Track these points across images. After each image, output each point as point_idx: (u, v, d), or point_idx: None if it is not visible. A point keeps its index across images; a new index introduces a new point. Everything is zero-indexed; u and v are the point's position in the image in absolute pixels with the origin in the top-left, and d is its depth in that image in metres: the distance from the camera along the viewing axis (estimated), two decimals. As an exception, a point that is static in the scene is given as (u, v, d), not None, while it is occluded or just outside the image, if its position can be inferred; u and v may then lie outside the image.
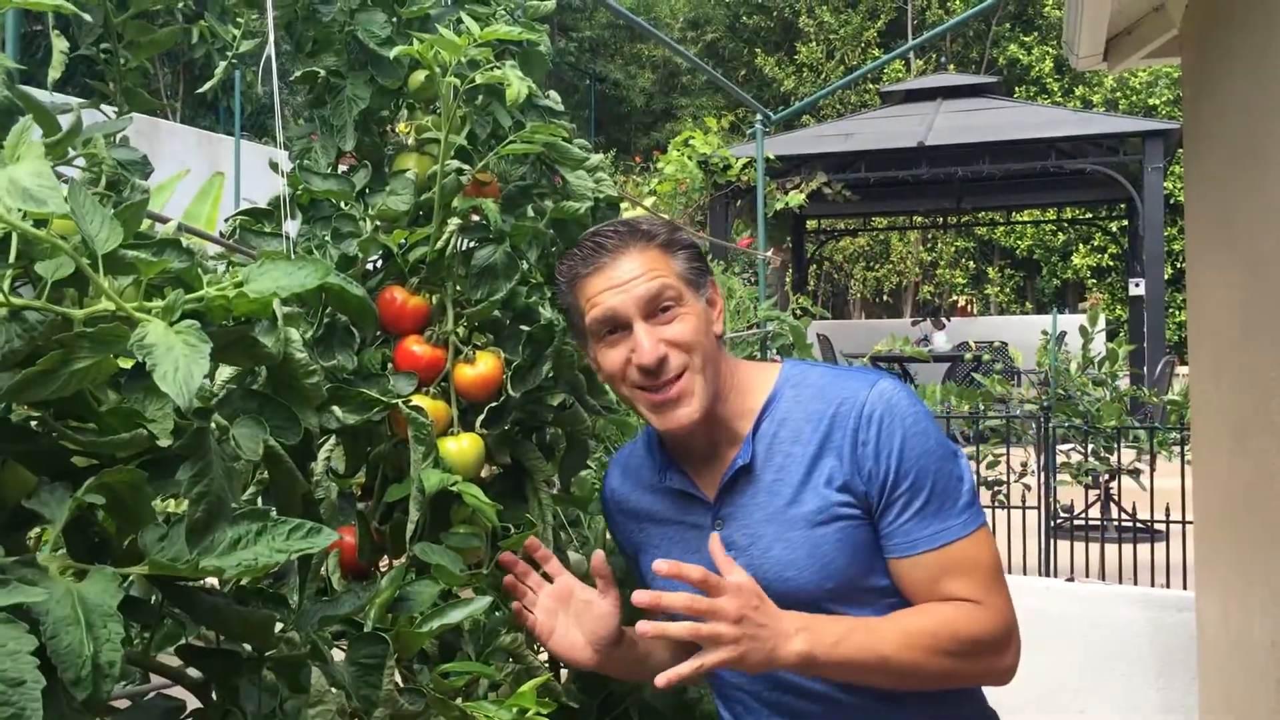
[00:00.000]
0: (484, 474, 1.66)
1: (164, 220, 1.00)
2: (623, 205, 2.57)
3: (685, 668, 1.22)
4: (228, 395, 0.79)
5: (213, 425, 0.73)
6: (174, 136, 6.39)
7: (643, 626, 1.22)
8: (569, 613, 1.47)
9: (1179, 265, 18.31)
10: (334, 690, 0.85)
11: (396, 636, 1.22)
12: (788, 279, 13.90)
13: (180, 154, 5.99)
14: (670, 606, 1.23)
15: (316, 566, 1.38)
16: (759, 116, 4.90)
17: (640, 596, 1.25)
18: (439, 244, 1.55)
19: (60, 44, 1.57)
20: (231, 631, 0.83)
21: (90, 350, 0.65)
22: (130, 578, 0.82)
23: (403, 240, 1.57)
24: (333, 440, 1.40)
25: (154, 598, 0.84)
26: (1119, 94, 21.74)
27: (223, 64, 1.83)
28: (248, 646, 0.91)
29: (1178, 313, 19.34)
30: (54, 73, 1.57)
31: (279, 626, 1.02)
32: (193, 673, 0.89)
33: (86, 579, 0.65)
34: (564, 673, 2.11)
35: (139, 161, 1.00)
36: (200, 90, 1.86)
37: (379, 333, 1.63)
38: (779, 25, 25.06)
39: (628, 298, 1.42)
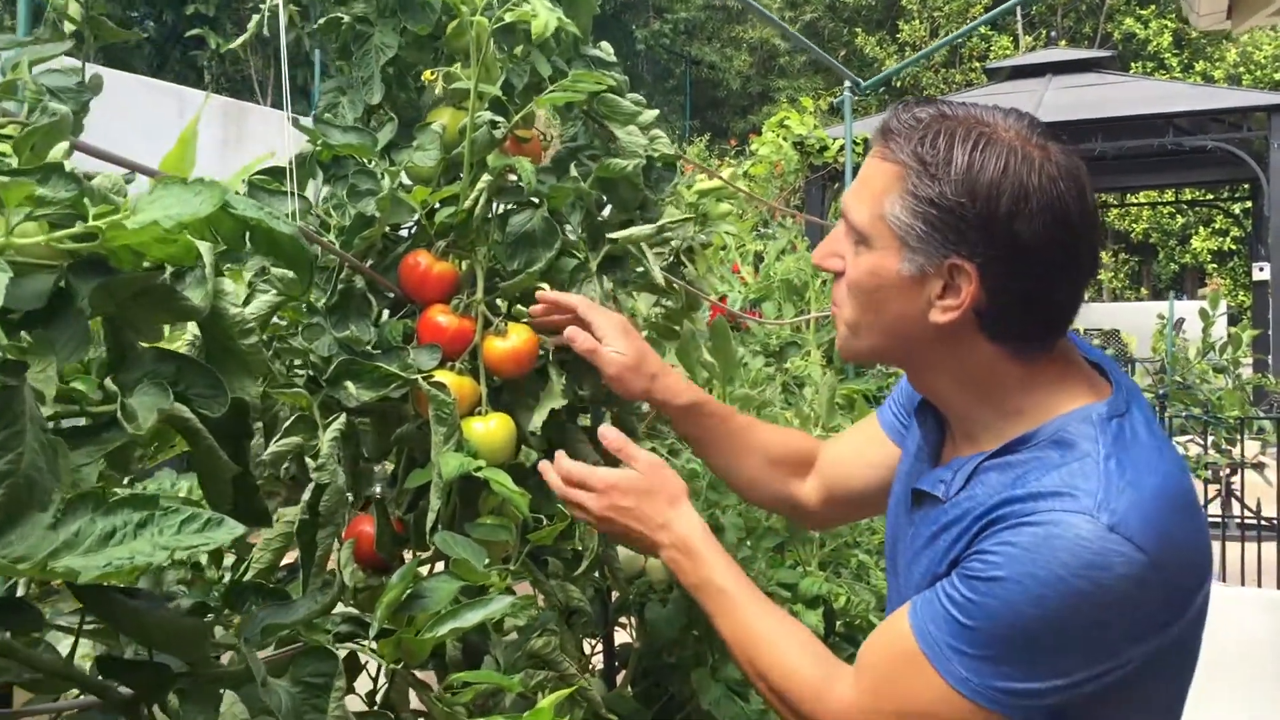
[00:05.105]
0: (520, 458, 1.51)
1: (96, 154, 0.86)
2: (698, 176, 2.40)
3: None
4: (139, 355, 0.65)
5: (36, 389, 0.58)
6: (262, 120, 6.45)
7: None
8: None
9: (1308, 248, 17.37)
10: (267, 716, 0.70)
11: (398, 642, 1.08)
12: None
13: (265, 135, 6.04)
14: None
15: (324, 558, 1.25)
16: (846, 84, 4.63)
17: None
18: (468, 204, 1.40)
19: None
20: (153, 641, 0.69)
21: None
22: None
23: (427, 199, 1.42)
24: (343, 418, 1.27)
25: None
26: (1242, 69, 20.71)
27: (254, 19, 1.72)
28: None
29: (1306, 298, 18.35)
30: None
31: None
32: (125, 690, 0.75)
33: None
34: (619, 679, 1.95)
35: (74, 88, 0.86)
36: (230, 46, 1.74)
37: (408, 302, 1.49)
38: (881, 3, 24.49)
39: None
